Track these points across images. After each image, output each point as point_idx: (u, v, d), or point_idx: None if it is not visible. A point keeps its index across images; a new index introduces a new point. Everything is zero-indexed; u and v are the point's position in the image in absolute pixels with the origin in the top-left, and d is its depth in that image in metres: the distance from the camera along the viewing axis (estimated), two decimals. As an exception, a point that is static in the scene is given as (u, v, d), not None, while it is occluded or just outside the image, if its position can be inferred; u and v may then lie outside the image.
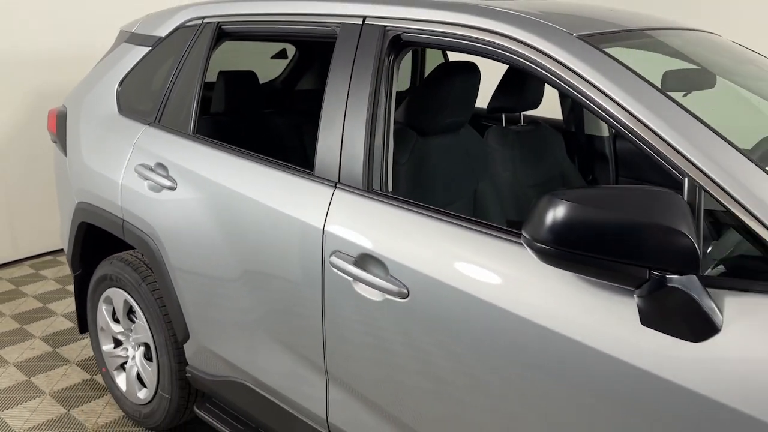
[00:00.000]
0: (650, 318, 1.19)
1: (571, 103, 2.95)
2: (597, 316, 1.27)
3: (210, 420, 2.35)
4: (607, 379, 1.25)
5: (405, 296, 1.57)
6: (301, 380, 1.92)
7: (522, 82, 2.59)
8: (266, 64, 3.73)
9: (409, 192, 1.99)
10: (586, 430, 1.29)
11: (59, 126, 2.90)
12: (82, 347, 3.38)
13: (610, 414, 1.25)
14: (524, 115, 2.86)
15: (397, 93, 2.28)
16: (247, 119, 2.84)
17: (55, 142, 2.96)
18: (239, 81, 2.78)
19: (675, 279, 1.13)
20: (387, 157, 1.77)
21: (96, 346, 2.87)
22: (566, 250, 1.18)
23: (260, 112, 2.97)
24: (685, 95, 2.07)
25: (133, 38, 2.73)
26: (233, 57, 3.64)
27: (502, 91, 2.60)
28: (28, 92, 4.31)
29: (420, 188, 2.02)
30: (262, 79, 3.56)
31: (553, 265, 1.23)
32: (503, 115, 2.75)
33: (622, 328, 1.24)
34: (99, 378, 3.09)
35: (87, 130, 2.72)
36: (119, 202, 2.45)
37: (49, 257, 4.62)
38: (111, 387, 2.83)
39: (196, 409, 2.40)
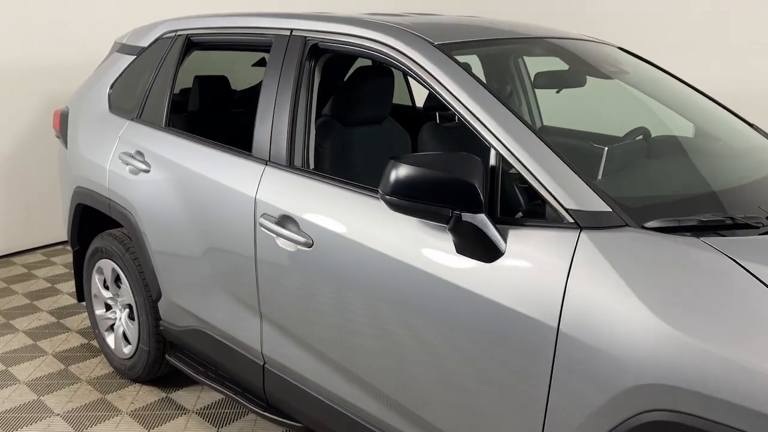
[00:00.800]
0: (459, 247, 1.63)
1: (506, 95, 3.38)
2: (431, 249, 1.71)
3: (179, 365, 2.81)
4: (437, 295, 1.69)
5: (310, 246, 2.03)
6: (243, 321, 2.38)
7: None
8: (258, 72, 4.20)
9: (333, 170, 2.44)
10: (427, 329, 1.73)
11: (62, 123, 3.40)
12: (82, 319, 3.87)
13: (441, 320, 1.69)
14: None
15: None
16: (218, 117, 3.31)
17: (58, 138, 3.46)
18: (212, 84, 3.26)
19: (467, 216, 1.57)
20: (308, 141, 2.23)
21: (90, 311, 3.35)
22: (401, 199, 1.62)
23: (230, 110, 3.45)
24: (558, 92, 2.51)
25: (122, 48, 3.23)
26: (234, 66, 4.11)
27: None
28: (44, 99, 4.83)
29: (343, 168, 2.47)
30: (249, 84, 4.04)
31: (397, 212, 1.68)
32: (437, 114, 3.19)
33: (447, 257, 1.68)
34: (95, 342, 3.56)
35: (84, 125, 3.21)
36: (107, 184, 2.94)
37: (60, 246, 5.14)
38: (102, 346, 3.31)
39: (168, 357, 2.87)
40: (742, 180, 1.96)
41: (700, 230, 1.48)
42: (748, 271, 1.30)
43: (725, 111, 2.65)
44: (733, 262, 1.32)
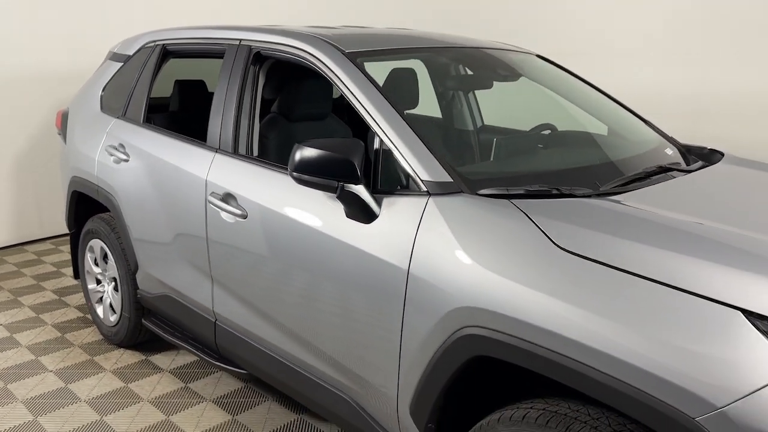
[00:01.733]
0: (347, 212, 2.06)
1: (448, 99, 3.79)
2: (328, 215, 2.14)
3: (153, 327, 3.27)
4: (331, 250, 2.12)
5: (245, 217, 2.47)
6: (199, 285, 2.83)
7: (399, 86, 3.46)
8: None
9: (277, 158, 2.87)
10: (324, 280, 2.16)
11: (63, 122, 3.89)
12: (81, 297, 4.35)
13: (334, 271, 2.11)
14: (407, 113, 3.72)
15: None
16: (195, 116, 3.77)
17: (60, 135, 3.95)
18: (190, 87, 3.73)
19: (349, 186, 1.99)
20: (252, 132, 2.67)
21: (84, 286, 3.83)
22: (301, 175, 2.05)
23: (207, 110, 3.90)
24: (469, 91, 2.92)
25: (113, 56, 3.72)
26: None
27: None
28: (56, 102, 5.35)
29: (285, 156, 2.89)
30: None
31: (301, 185, 2.11)
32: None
33: (339, 220, 2.10)
34: (89, 315, 4.04)
35: (80, 123, 3.70)
36: (95, 173, 3.41)
37: (67, 237, 5.65)
38: (93, 317, 3.78)
39: (144, 321, 3.33)
40: (597, 161, 2.37)
41: (531, 197, 1.89)
42: (534, 223, 1.71)
43: (626, 110, 3.06)
44: (526, 216, 1.73)
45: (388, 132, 2.08)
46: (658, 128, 3.02)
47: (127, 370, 3.41)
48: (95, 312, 3.75)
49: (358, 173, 1.96)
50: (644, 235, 1.63)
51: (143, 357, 3.54)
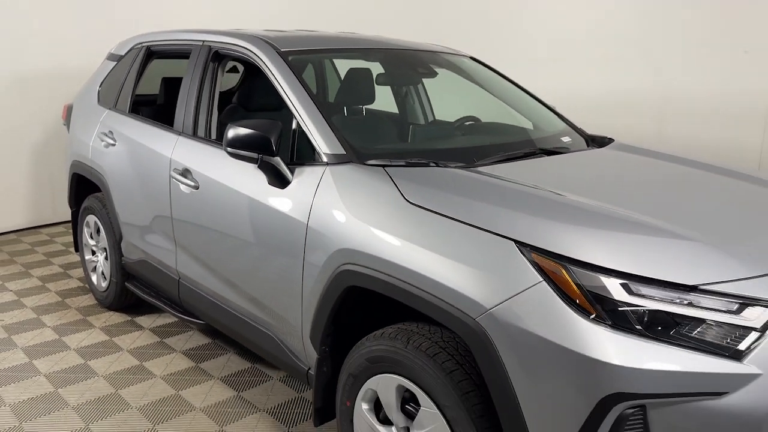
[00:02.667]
0: (268, 180, 2.53)
1: (402, 95, 4.25)
2: (255, 184, 2.62)
3: (134, 289, 3.79)
4: (257, 211, 2.60)
5: (197, 188, 2.96)
6: (166, 249, 3.33)
7: (357, 84, 3.93)
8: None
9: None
10: (253, 235, 2.63)
11: (68, 114, 4.45)
12: (68, 282, 4.90)
13: (259, 228, 2.59)
14: (365, 108, 4.18)
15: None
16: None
17: (65, 125, 4.51)
18: (174, 83, 4.24)
19: (266, 158, 2.47)
20: (210, 118, 3.17)
21: (82, 257, 4.37)
22: (231, 149, 2.53)
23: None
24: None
25: (110, 56, 4.27)
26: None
27: (343, 90, 3.95)
28: (66, 100, 5.93)
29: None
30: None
31: (234, 158, 2.59)
32: (345, 107, 4.09)
33: (263, 188, 2.58)
34: (78, 299, 4.58)
35: (80, 115, 4.25)
36: (90, 156, 3.95)
37: (78, 221, 6.23)
38: (89, 284, 4.32)
39: (127, 284, 3.85)
40: (488, 143, 2.82)
41: (409, 167, 2.34)
42: (394, 184, 2.16)
43: (542, 104, 3.50)
44: (390, 179, 2.19)
45: (302, 114, 2.56)
46: (568, 120, 3.46)
47: (113, 327, 3.93)
48: (90, 280, 4.28)
49: (273, 147, 2.44)
50: (472, 192, 2.08)
51: (128, 318, 4.06)
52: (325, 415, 2.44)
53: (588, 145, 3.10)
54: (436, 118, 4.20)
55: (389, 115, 3.87)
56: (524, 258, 1.75)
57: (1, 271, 4.91)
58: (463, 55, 3.71)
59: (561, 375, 1.65)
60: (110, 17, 6.06)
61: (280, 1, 6.98)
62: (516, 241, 1.79)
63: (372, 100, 3.53)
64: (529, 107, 3.47)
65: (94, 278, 4.25)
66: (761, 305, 1.65)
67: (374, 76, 3.25)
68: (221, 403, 3.08)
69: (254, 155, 2.48)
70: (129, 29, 6.05)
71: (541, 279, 1.71)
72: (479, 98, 3.64)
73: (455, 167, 2.39)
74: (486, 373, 1.78)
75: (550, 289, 1.69)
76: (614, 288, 1.65)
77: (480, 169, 2.40)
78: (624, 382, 1.57)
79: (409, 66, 3.39)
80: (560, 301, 1.67)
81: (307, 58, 2.94)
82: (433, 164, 2.41)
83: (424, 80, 3.74)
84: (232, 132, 2.50)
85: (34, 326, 3.93)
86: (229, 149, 2.53)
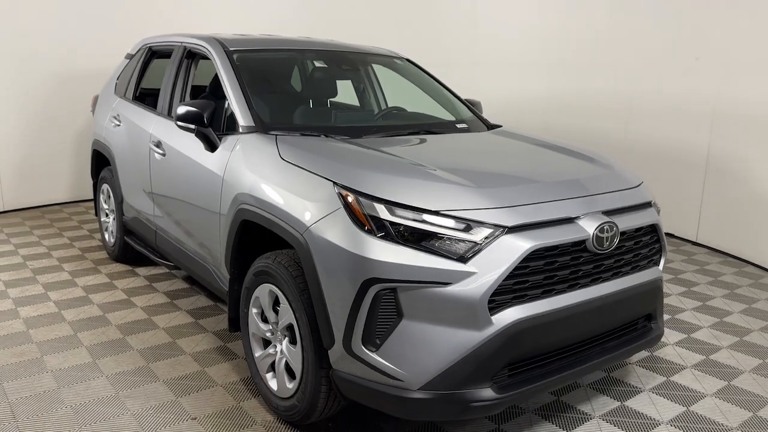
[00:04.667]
0: (204, 147, 3.36)
1: (362, 89, 5.02)
2: (198, 150, 3.45)
3: (131, 242, 4.70)
4: (196, 170, 3.43)
5: (164, 156, 3.83)
6: (147, 204, 4.22)
7: (326, 85, 4.72)
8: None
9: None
10: (194, 192, 3.46)
11: (94, 103, 5.44)
12: (91, 242, 5.87)
13: (198, 184, 3.41)
14: (330, 102, 4.99)
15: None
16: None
17: (92, 112, 5.50)
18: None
19: (200, 128, 3.29)
20: (182, 101, 4.03)
21: (99, 220, 5.34)
22: (180, 122, 3.37)
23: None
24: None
25: (127, 56, 5.23)
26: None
27: (308, 86, 4.76)
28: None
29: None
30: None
31: (181, 129, 3.43)
32: (319, 104, 4.89)
33: (202, 153, 3.40)
34: (95, 254, 5.54)
35: (102, 103, 5.22)
36: (104, 135, 4.91)
37: (112, 198, 7.26)
38: (103, 241, 5.28)
39: (126, 238, 4.77)
40: (385, 124, 3.57)
41: (304, 136, 3.13)
42: (277, 147, 2.94)
43: (459, 100, 4.23)
44: (275, 143, 2.98)
45: (231, 96, 3.38)
46: (477, 112, 4.16)
47: (115, 273, 4.86)
48: (104, 237, 5.24)
49: (204, 121, 3.26)
50: (328, 153, 2.85)
51: (129, 268, 4.99)
52: (236, 324, 3.23)
53: (480, 130, 3.81)
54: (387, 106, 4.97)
55: (334, 103, 4.64)
56: (335, 192, 2.51)
57: (41, 231, 5.95)
58: (401, 57, 4.47)
59: (344, 269, 2.39)
60: (145, 24, 7.08)
61: (287, 10, 7.90)
62: (333, 181, 2.55)
63: (335, 94, 4.35)
64: (449, 102, 4.19)
65: (106, 236, 5.21)
66: (484, 226, 2.35)
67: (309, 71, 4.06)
68: (182, 325, 3.92)
69: (192, 127, 3.30)
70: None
71: (341, 205, 2.46)
72: (408, 92, 4.39)
73: (339, 139, 3.16)
74: (307, 273, 2.54)
75: (345, 212, 2.44)
76: (382, 211, 2.38)
77: (359, 140, 3.16)
78: (378, 270, 2.30)
79: (343, 64, 4.20)
80: (349, 219, 2.41)
81: (249, 55, 3.75)
82: (324, 136, 3.18)
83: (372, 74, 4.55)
84: (179, 109, 3.34)
85: (55, 270, 4.89)
86: (178, 123, 3.37)
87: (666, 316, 4.24)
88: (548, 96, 7.37)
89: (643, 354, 3.68)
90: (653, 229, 2.85)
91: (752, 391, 3.29)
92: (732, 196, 5.62)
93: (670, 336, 3.94)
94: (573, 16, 7.03)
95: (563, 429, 2.90)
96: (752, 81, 5.34)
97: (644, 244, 2.82)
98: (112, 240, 5.05)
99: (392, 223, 2.36)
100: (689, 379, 3.40)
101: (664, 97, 6.17)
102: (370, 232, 2.37)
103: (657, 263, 2.93)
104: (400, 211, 2.38)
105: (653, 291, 2.87)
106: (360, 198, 2.43)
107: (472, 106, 4.24)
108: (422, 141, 3.37)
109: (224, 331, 3.85)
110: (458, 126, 3.79)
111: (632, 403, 3.13)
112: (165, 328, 3.88)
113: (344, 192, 2.47)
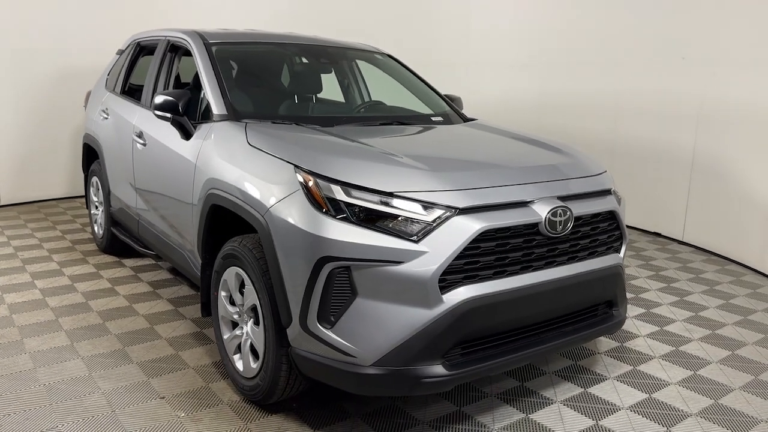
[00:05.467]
0: (180, 134, 3.44)
1: (346, 85, 5.09)
2: (174, 138, 3.53)
3: (117, 233, 4.79)
4: (173, 157, 3.51)
5: (146, 146, 3.92)
6: (130, 194, 4.31)
7: (305, 78, 4.81)
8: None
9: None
10: (171, 178, 3.54)
11: (87, 99, 5.55)
12: (82, 235, 5.97)
13: (175, 171, 3.49)
14: (316, 97, 5.07)
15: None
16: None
17: (84, 107, 5.61)
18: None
19: (176, 117, 3.38)
20: (167, 96, 4.12)
21: (89, 212, 5.44)
22: (157, 112, 3.46)
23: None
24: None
25: (118, 51, 5.33)
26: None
27: (286, 79, 4.85)
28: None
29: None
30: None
31: (158, 118, 3.51)
32: (295, 96, 4.98)
33: (178, 140, 3.49)
34: (85, 246, 5.63)
35: (93, 97, 5.33)
36: (93, 128, 5.01)
37: (108, 194, 7.37)
38: (93, 233, 5.37)
39: (112, 229, 4.86)
40: (362, 116, 3.65)
41: (276, 124, 3.20)
42: (245, 133, 3.02)
43: (436, 93, 4.30)
44: (244, 130, 3.05)
45: (207, 86, 3.47)
46: (453, 106, 4.23)
47: (102, 264, 4.95)
48: (93, 229, 5.34)
49: (179, 109, 3.34)
50: (295, 139, 2.93)
51: (116, 259, 5.08)
52: (209, 309, 3.30)
53: (456, 123, 3.88)
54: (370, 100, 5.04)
55: (315, 98, 4.72)
56: (295, 174, 2.58)
57: (34, 224, 6.06)
58: (381, 53, 4.55)
59: (300, 248, 2.46)
60: (144, 22, 7.20)
61: (288, 11, 8.01)
62: (293, 164, 2.62)
63: (320, 89, 4.43)
64: (428, 96, 4.26)
65: (95, 228, 5.30)
66: (437, 208, 2.41)
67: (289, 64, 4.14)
68: (162, 312, 4.00)
69: (168, 115, 3.39)
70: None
71: (300, 187, 2.53)
72: (388, 87, 4.47)
73: (309, 127, 3.23)
74: (267, 254, 2.61)
75: (304, 194, 2.51)
76: (338, 192, 2.45)
77: (329, 129, 3.23)
78: (331, 249, 2.37)
79: (322, 58, 4.28)
80: (307, 201, 2.48)
81: (228, 47, 3.84)
82: (295, 124, 3.26)
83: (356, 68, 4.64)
84: (156, 99, 3.43)
85: (44, 260, 4.99)
86: (155, 112, 3.45)
87: (641, 310, 4.28)
88: (539, 96, 7.43)
89: (612, 344, 3.72)
90: (612, 215, 2.91)
91: (716, 380, 3.33)
92: (717, 195, 5.65)
93: (642, 328, 3.98)
94: (564, 17, 7.09)
95: (523, 412, 2.94)
96: (738, 81, 5.38)
97: (602, 231, 2.87)
98: (101, 232, 5.15)
99: (348, 204, 2.43)
100: (655, 368, 3.44)
101: (651, 97, 6.22)
102: (327, 213, 2.44)
103: (618, 250, 2.98)
104: (355, 192, 2.45)
105: (612, 277, 2.91)
106: (318, 180, 2.50)
107: (451, 101, 4.30)
108: (393, 131, 3.45)
109: (202, 318, 3.93)
110: (433, 119, 3.85)
111: (595, 390, 3.18)
112: (144, 315, 3.96)
113: (304, 175, 2.54)
